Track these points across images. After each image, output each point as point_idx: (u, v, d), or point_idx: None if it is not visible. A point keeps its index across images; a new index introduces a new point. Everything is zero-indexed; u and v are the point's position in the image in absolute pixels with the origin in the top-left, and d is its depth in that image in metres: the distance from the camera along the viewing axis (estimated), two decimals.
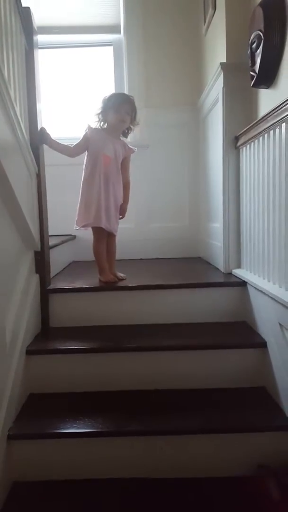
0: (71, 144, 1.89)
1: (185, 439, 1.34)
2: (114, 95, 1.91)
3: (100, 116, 1.91)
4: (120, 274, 1.96)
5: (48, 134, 1.82)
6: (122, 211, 1.99)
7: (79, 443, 1.33)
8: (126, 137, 2.02)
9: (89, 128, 1.90)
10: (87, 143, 1.89)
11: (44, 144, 1.83)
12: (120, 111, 1.86)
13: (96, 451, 1.34)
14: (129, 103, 1.89)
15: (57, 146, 1.86)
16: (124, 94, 2.01)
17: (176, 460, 1.34)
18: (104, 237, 1.94)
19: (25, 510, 1.22)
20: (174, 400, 1.49)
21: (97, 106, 1.91)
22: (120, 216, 1.99)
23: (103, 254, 1.95)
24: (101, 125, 1.94)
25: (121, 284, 1.86)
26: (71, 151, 1.89)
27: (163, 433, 1.33)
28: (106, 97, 1.89)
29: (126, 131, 1.98)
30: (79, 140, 1.90)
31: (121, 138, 1.98)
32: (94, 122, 1.93)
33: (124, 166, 1.97)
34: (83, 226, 1.90)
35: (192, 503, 1.22)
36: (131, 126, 1.96)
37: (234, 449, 1.33)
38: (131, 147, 1.99)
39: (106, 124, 1.93)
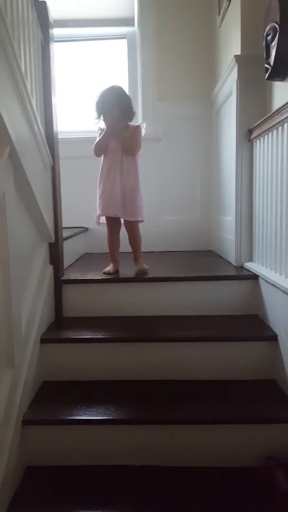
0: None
1: (195, 429, 1.36)
2: (97, 102, 1.92)
3: (99, 120, 1.97)
4: (145, 266, 1.99)
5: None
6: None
7: (91, 430, 1.36)
8: (131, 120, 1.98)
9: (99, 130, 1.98)
10: None
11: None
12: (106, 114, 1.91)
13: (107, 438, 1.37)
14: (109, 102, 1.89)
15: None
16: (103, 94, 1.91)
17: (186, 449, 1.36)
18: (112, 228, 2.00)
19: (38, 493, 1.25)
20: (185, 390, 1.51)
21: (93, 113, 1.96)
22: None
23: (111, 245, 2.02)
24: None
25: (132, 276, 1.89)
26: (94, 151, 1.98)
27: (174, 422, 1.36)
28: (94, 103, 1.93)
29: (127, 116, 1.94)
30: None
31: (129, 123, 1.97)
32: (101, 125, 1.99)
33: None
34: (100, 221, 2.00)
35: (201, 493, 1.24)
36: (131, 110, 1.94)
37: (243, 440, 1.35)
38: (137, 124, 1.97)
39: None
